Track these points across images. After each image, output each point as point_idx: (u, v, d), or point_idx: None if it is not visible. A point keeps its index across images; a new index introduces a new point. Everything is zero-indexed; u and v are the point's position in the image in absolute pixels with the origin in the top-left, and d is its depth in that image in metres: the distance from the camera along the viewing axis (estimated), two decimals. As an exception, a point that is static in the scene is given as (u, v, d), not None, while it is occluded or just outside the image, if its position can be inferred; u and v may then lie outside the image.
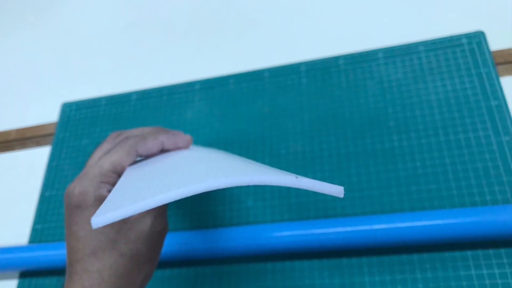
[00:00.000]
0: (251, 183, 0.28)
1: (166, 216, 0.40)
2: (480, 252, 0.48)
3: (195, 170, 0.33)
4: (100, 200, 0.36)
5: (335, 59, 0.65)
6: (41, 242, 0.62)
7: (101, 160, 0.38)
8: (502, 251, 0.47)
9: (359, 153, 0.57)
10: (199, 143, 0.64)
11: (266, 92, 0.66)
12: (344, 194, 0.54)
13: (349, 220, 0.50)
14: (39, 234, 0.64)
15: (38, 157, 0.72)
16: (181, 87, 0.71)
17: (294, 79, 0.65)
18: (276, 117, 0.63)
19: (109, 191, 0.37)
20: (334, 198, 0.55)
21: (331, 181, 0.56)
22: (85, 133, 0.71)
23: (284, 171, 0.31)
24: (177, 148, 0.44)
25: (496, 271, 0.47)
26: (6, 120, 0.79)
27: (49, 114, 0.76)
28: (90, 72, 0.80)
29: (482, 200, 0.50)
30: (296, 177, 0.28)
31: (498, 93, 0.56)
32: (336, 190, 0.28)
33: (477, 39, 0.60)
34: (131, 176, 0.36)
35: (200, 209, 0.59)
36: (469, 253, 0.48)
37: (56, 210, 0.65)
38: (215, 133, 0.64)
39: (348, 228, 0.49)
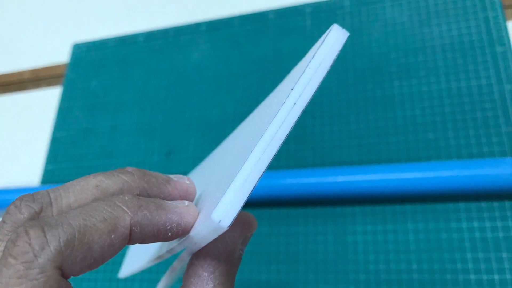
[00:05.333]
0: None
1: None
2: (472, 205, 0.46)
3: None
4: None
5: (340, 0, 0.61)
6: (52, 182, 0.62)
7: None
8: (495, 204, 0.45)
9: (359, 100, 0.54)
10: (203, 86, 0.62)
11: (270, 34, 0.62)
12: (342, 141, 0.52)
13: (343, 169, 0.48)
14: (50, 174, 0.63)
15: (50, 98, 0.71)
16: (187, 28, 0.68)
17: (299, 21, 0.62)
18: (280, 61, 0.60)
19: None
20: (332, 146, 0.52)
21: (330, 128, 0.54)
22: (94, 74, 0.69)
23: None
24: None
25: (487, 224, 0.45)
26: (19, 60, 0.77)
27: (62, 54, 0.75)
28: (101, 11, 0.78)
29: (479, 151, 0.48)
30: (294, 104, 0.21)
31: (504, 39, 0.52)
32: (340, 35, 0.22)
33: (487, -20, 0.55)
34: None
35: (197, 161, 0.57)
36: (461, 205, 0.46)
37: (67, 151, 0.64)
38: (219, 77, 0.62)
39: (342, 178, 0.47)
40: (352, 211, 0.49)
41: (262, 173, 0.20)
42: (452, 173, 0.44)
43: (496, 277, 0.42)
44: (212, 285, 0.22)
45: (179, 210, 0.22)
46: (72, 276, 0.19)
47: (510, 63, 0.50)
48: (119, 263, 0.51)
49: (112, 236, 0.19)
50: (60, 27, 0.79)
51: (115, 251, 0.20)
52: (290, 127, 0.20)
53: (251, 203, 0.52)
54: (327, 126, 0.54)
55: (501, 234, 0.44)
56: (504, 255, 0.43)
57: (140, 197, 0.21)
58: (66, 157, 0.64)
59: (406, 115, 0.52)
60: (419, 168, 0.46)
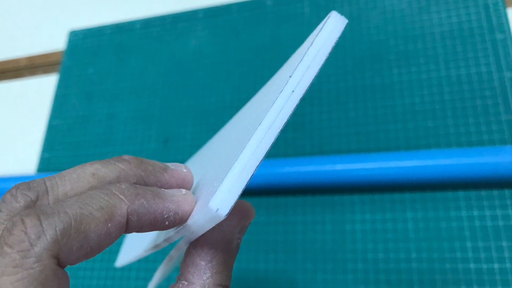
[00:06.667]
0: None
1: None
2: (472, 193, 0.45)
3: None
4: None
5: (339, -13, 0.60)
6: (48, 171, 0.62)
7: None
8: (494, 192, 0.45)
9: (358, 87, 0.53)
10: (201, 74, 0.61)
11: (268, 21, 0.62)
12: (340, 129, 0.52)
13: (342, 158, 0.47)
14: (46, 162, 0.63)
15: (46, 85, 0.70)
16: (185, 15, 0.67)
17: (297, 8, 0.61)
18: (278, 48, 0.59)
19: None
20: (330, 134, 0.52)
21: (328, 116, 0.53)
22: (91, 62, 0.68)
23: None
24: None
25: (487, 213, 0.44)
26: (15, 47, 0.76)
27: (58, 41, 0.74)
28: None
29: (479, 139, 0.47)
30: (292, 92, 0.21)
31: (504, 26, 0.51)
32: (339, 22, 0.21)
33: (487, -34, 0.55)
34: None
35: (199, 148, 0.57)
36: (461, 194, 0.45)
37: (63, 139, 0.63)
38: (217, 64, 0.61)
39: (340, 166, 0.47)
40: (351, 200, 0.49)
41: (260, 161, 0.19)
42: (452, 161, 0.44)
43: (496, 266, 0.42)
44: (209, 274, 0.22)
45: (176, 199, 0.21)
46: (68, 265, 0.19)
47: (510, 50, 0.50)
48: (115, 252, 0.51)
49: (109, 224, 0.19)
50: (57, 14, 0.78)
51: (111, 240, 0.19)
52: (288, 115, 0.20)
53: (249, 192, 0.52)
54: (326, 114, 0.53)
55: (501, 223, 0.43)
56: (504, 244, 0.43)
57: (137, 185, 0.21)
58: (63, 145, 0.63)
59: (405, 103, 0.51)
60: (418, 156, 0.45)
